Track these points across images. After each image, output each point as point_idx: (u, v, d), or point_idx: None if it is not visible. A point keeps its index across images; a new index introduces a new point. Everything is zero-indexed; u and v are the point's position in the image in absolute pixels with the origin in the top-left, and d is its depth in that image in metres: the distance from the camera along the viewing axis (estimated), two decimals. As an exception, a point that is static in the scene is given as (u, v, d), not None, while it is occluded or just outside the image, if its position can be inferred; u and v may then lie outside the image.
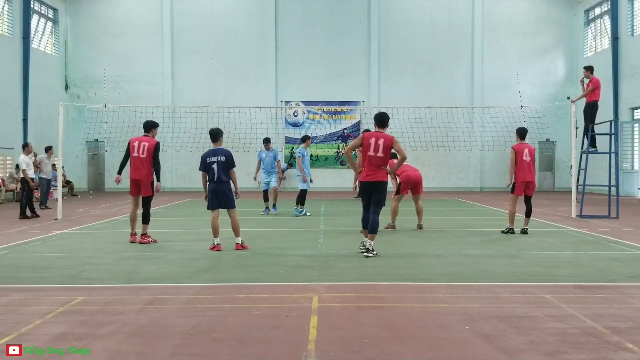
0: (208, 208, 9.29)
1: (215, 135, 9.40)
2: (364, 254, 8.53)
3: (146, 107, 21.40)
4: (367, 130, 11.89)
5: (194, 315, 5.42)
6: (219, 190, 9.14)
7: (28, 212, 14.65)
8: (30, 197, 14.77)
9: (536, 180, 12.98)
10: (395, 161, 10.94)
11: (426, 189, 16.87)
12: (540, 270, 7.56)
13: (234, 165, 9.25)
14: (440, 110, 20.72)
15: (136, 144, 9.93)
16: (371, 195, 8.64)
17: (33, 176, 15.35)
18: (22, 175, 14.93)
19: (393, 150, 8.81)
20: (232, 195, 9.26)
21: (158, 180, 10.15)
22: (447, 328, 5.01)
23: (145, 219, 9.98)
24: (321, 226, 12.58)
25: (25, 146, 15.61)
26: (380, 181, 8.58)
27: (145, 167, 9.85)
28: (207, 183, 9.29)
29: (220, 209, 9.29)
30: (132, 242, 9.94)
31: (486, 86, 28.18)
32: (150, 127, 10.21)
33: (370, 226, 8.57)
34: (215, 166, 9.08)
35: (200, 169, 9.33)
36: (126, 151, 10.09)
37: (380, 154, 8.53)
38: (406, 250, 9.00)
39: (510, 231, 11.12)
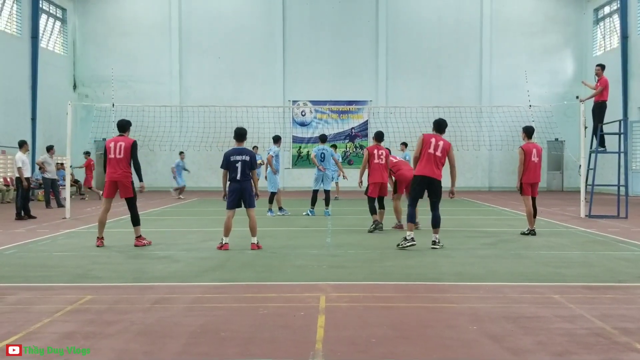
0: (228, 208, 9.23)
1: (243, 135, 9.46)
2: (431, 246, 9.11)
3: (154, 107, 21.51)
4: (380, 132, 12.00)
5: (201, 315, 5.42)
6: (242, 189, 9.15)
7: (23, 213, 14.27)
8: (25, 197, 14.36)
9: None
10: (395, 160, 12.07)
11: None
12: (548, 270, 7.52)
13: (256, 167, 9.32)
14: (448, 109, 20.55)
15: (112, 145, 9.57)
16: (424, 189, 9.11)
17: (29, 175, 14.83)
18: (17, 174, 14.47)
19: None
20: (253, 194, 9.30)
21: (140, 180, 9.88)
22: (455, 328, 4.99)
23: (135, 221, 9.67)
24: (329, 225, 12.57)
25: (24, 144, 14.80)
26: (437, 179, 9.12)
27: (122, 167, 9.51)
28: (228, 183, 9.28)
29: (235, 210, 9.27)
30: (98, 246, 9.42)
31: (494, 85, 28.09)
32: (125, 126, 9.91)
33: (434, 221, 9.17)
34: (239, 165, 9.10)
35: (222, 167, 9.32)
36: (104, 154, 9.80)
37: (438, 153, 9.08)
38: (414, 249, 8.97)
39: (532, 232, 10.85)
